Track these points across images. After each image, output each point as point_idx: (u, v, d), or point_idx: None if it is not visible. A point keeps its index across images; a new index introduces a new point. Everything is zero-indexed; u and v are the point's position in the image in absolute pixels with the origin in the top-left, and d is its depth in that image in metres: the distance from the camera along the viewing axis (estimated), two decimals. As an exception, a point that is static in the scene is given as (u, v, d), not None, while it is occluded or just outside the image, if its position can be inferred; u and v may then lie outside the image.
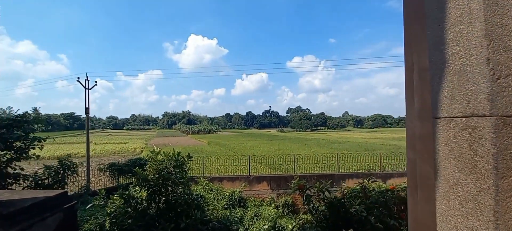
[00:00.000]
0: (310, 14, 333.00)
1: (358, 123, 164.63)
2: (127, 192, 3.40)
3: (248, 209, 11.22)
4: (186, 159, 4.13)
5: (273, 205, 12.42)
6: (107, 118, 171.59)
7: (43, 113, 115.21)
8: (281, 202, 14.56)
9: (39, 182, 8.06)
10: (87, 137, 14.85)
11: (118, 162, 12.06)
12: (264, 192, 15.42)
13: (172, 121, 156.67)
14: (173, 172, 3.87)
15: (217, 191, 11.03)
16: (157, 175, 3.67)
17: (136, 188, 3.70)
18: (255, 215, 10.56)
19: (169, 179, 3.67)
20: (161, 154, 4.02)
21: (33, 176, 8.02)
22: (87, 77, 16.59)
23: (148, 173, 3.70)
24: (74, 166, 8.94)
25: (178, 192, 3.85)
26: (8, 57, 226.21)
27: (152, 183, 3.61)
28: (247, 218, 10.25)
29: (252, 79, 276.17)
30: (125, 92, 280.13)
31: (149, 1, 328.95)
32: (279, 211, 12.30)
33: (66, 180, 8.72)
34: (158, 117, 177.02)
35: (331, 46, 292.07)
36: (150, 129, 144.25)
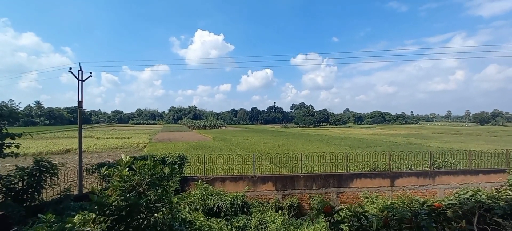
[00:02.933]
0: (314, 14, 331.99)
1: (358, 119, 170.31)
2: (68, 225, 2.22)
3: (252, 215, 10.07)
4: (166, 172, 2.92)
5: (280, 212, 11.25)
6: (112, 112, 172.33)
7: (46, 107, 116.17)
8: (287, 203, 13.65)
9: (11, 186, 7.00)
10: (80, 132, 13.83)
11: (109, 161, 11.02)
12: (269, 193, 14.40)
13: (178, 115, 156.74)
14: (148, 192, 2.69)
15: (218, 195, 9.89)
16: (122, 198, 2.49)
17: (86, 216, 2.49)
18: (259, 223, 9.43)
19: (138, 205, 2.47)
20: (133, 166, 2.83)
21: (5, 179, 6.98)
22: (80, 68, 15.49)
23: (109, 195, 2.55)
24: (54, 167, 7.84)
25: (153, 220, 2.66)
26: (12, 49, 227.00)
27: (113, 209, 2.44)
28: (251, 227, 9.13)
29: (257, 76, 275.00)
30: (131, 86, 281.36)
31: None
32: (285, 217, 11.16)
33: (42, 184, 7.63)
34: (164, 111, 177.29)
35: (334, 44, 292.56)
36: (156, 124, 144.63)
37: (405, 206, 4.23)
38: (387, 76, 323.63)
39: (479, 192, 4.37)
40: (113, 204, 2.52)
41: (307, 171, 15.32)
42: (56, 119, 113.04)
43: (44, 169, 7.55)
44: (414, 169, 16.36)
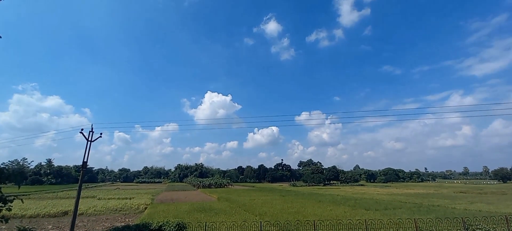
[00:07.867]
0: (315, 76, 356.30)
1: (371, 176, 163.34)
2: None
3: None
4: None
5: None
6: (119, 170, 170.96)
7: (56, 165, 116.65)
8: None
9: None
10: (77, 198, 13.26)
11: None
12: (278, 268, 12.50)
13: (184, 173, 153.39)
14: None
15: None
16: None
17: None
18: None
19: None
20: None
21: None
22: (92, 129, 15.93)
23: None
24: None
25: None
26: (35, 110, 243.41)
27: None
28: None
29: (264, 133, 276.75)
30: (141, 144, 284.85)
31: (171, 62, 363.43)
32: None
33: (22, 258, 6.83)
34: (170, 169, 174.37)
35: (336, 103, 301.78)
36: (161, 182, 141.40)
37: None
38: (392, 133, 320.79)
39: None
40: None
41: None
42: (63, 177, 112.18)
43: (27, 240, 6.85)
44: (446, 238, 14.28)
